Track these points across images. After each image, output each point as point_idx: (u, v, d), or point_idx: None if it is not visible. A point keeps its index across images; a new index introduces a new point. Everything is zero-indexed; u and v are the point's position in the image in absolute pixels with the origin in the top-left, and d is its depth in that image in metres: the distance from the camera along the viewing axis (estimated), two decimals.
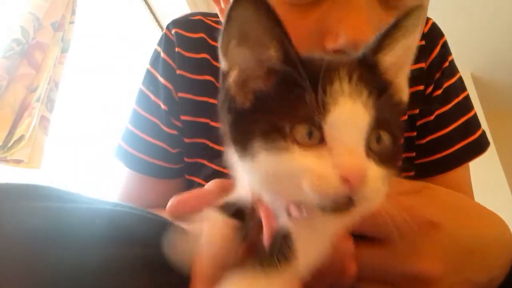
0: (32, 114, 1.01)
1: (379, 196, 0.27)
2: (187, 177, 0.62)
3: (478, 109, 3.06)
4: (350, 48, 0.38)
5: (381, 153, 0.27)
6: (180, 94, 0.61)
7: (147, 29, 2.07)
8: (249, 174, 0.30)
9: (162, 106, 0.61)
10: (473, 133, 0.62)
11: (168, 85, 0.62)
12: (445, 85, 0.62)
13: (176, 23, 0.65)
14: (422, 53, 0.60)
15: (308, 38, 0.41)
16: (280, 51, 0.28)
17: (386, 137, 0.27)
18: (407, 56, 0.32)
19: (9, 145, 0.97)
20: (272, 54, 0.28)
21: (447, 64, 0.63)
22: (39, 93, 1.05)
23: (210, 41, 0.63)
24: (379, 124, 0.27)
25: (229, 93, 0.30)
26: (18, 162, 1.00)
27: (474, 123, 0.63)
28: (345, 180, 0.24)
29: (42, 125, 1.07)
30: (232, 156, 0.31)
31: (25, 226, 0.32)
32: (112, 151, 0.65)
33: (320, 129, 0.26)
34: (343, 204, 0.25)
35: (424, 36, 0.62)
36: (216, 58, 0.59)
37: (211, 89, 0.60)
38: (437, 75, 0.62)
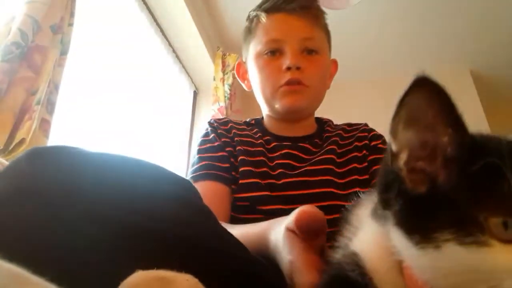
0: (33, 117, 1.01)
1: None
2: (240, 181, 0.86)
3: (478, 106, 3.03)
4: (292, 66, 0.87)
5: None
6: (223, 139, 0.95)
7: (146, 30, 2.07)
8: (428, 266, 0.28)
9: (216, 143, 0.92)
10: None
11: (216, 137, 0.95)
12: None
13: (215, 119, 1.01)
14: None
15: (277, 71, 0.90)
16: (455, 137, 0.29)
17: None
18: None
19: (10, 149, 0.97)
20: (445, 140, 0.29)
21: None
22: (39, 96, 1.04)
23: (235, 130, 0.97)
24: None
25: (399, 175, 0.30)
26: None
27: None
28: None
29: (42, 128, 1.06)
30: (399, 240, 0.30)
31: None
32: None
33: None
34: None
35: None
36: (238, 137, 0.94)
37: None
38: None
